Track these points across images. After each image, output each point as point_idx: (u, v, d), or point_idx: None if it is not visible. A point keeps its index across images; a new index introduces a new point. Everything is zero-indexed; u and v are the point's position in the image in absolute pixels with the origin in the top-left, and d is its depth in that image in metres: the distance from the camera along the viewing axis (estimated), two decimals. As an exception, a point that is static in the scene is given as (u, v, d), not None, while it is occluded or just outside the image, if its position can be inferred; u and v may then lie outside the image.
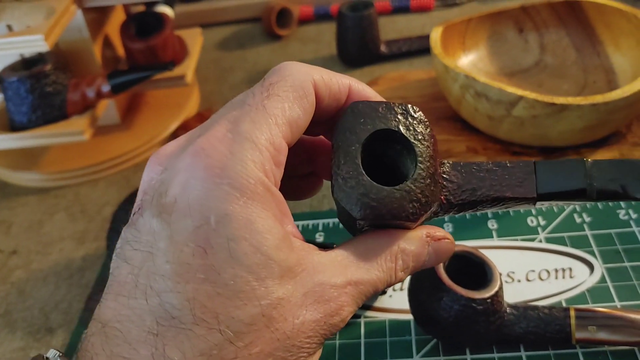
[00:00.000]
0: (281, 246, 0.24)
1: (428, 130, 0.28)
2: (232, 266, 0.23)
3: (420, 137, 0.28)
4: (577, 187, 0.29)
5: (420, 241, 0.28)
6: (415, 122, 0.28)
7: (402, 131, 0.27)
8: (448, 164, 0.30)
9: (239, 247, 0.23)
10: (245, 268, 0.23)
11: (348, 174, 0.26)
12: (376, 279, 0.27)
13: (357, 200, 0.26)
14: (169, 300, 0.23)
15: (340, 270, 0.26)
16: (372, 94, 0.29)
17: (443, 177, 0.29)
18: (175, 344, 0.22)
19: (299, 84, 0.27)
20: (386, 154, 0.29)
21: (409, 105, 0.28)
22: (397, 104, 0.28)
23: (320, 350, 0.26)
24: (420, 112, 0.28)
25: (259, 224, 0.24)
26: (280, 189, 0.26)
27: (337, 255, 0.27)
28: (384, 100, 0.29)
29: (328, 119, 0.29)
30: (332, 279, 0.26)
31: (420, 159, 0.27)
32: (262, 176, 0.24)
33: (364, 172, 0.26)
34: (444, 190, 0.29)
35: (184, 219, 0.23)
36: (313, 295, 0.25)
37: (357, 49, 0.75)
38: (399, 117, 0.28)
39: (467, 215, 0.52)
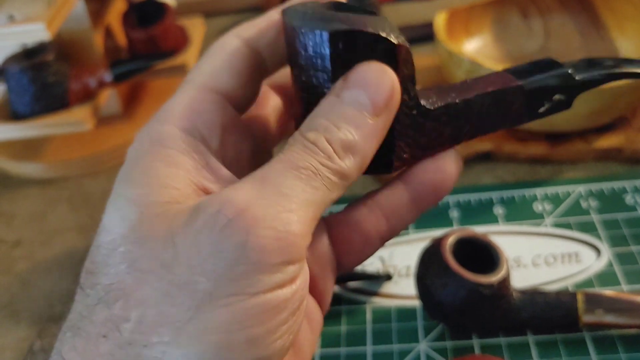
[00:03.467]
0: (152, 184, 0.22)
1: None
2: (104, 218, 0.23)
3: None
4: (562, 78, 0.28)
5: (322, 103, 0.24)
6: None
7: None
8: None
9: (111, 200, 0.24)
10: (111, 218, 0.23)
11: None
12: (282, 162, 0.22)
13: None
14: None
15: (230, 184, 0.22)
16: None
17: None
18: None
19: (222, 41, 0.27)
20: None
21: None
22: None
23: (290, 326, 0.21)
24: None
25: (133, 170, 0.24)
26: None
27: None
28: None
29: None
30: (218, 191, 0.22)
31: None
32: (162, 129, 0.24)
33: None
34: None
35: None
36: (187, 215, 0.21)
37: (359, 37, 0.75)
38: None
39: (472, 202, 0.51)
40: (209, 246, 0.20)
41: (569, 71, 0.28)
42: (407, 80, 0.25)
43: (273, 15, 0.28)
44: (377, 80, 0.23)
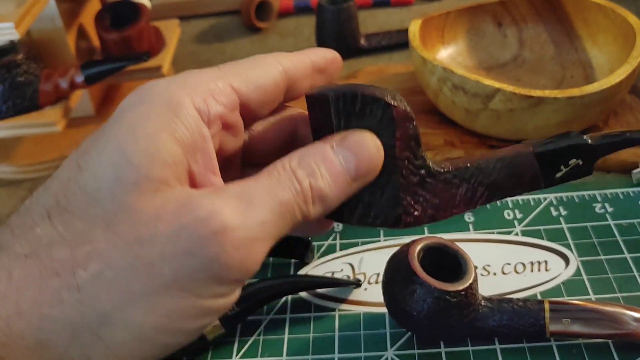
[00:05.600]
0: (155, 157, 0.23)
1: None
2: (94, 160, 0.23)
3: None
4: (575, 142, 0.29)
5: (317, 145, 0.26)
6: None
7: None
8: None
9: (107, 144, 0.23)
10: (103, 167, 0.23)
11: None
12: (268, 187, 0.24)
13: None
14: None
15: (219, 191, 0.24)
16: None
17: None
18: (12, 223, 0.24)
19: (259, 57, 0.28)
20: None
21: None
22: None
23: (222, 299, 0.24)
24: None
25: (141, 127, 0.23)
26: None
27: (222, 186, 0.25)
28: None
29: None
30: (208, 195, 0.23)
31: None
32: (181, 98, 0.25)
33: None
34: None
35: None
36: (176, 206, 0.23)
37: (336, 43, 0.74)
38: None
39: (444, 209, 0.51)
40: (186, 245, 0.22)
41: (584, 137, 0.29)
42: (410, 139, 0.27)
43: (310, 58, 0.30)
44: (368, 153, 0.26)
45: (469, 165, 0.29)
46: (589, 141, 0.29)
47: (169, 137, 0.23)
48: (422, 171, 0.28)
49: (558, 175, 0.29)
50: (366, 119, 0.26)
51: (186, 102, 0.24)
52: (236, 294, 0.25)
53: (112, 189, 0.23)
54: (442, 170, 0.28)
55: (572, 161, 0.29)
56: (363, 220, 0.28)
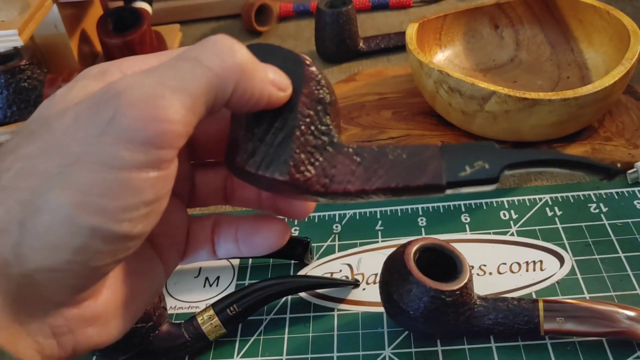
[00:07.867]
0: (77, 93, 0.24)
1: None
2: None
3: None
4: (483, 143, 0.28)
5: None
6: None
7: None
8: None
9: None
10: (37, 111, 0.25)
11: None
12: (173, 58, 0.24)
13: None
14: None
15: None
16: None
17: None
18: None
19: None
20: None
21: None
22: None
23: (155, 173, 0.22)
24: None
25: (73, 87, 0.25)
26: None
27: None
28: None
29: None
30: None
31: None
32: (109, 67, 0.26)
33: None
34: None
35: None
36: (82, 97, 0.24)
37: (335, 46, 0.75)
38: None
39: (442, 209, 0.52)
40: (85, 117, 0.22)
41: (494, 143, 0.28)
42: (316, 102, 0.28)
43: None
44: (280, 73, 0.27)
45: (373, 147, 0.28)
46: (497, 145, 0.28)
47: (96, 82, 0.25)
48: (325, 138, 0.28)
49: (462, 174, 0.28)
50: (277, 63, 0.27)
51: (114, 69, 0.25)
52: (167, 170, 0.23)
53: (40, 116, 0.24)
54: (346, 145, 0.28)
55: (478, 163, 0.28)
56: (252, 162, 0.27)
